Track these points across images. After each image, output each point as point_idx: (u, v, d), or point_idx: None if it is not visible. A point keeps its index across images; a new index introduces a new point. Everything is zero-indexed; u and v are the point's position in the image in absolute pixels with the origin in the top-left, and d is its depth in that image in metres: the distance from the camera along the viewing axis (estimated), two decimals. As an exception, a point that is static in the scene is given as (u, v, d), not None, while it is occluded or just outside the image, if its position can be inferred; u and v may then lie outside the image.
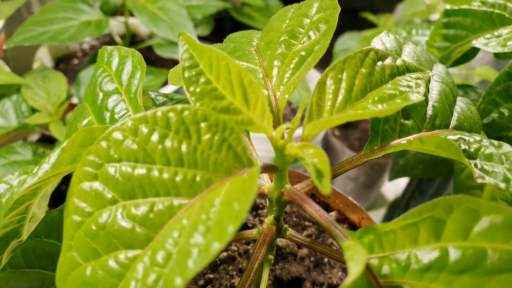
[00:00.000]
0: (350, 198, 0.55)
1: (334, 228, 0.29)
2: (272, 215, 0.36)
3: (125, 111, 0.36)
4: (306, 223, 0.55)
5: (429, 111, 0.38)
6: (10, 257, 0.39)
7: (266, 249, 0.35)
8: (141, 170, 0.27)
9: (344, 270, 0.51)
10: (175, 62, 1.01)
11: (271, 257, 0.42)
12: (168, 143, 0.27)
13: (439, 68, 0.42)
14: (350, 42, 1.07)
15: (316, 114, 0.29)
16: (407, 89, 0.30)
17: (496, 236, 0.23)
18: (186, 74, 0.29)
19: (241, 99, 0.29)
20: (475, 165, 0.32)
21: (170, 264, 0.25)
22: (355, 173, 1.02)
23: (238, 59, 0.36)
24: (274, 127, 0.32)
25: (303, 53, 0.33)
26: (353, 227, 0.55)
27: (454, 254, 0.24)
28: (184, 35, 0.30)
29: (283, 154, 0.29)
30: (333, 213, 0.55)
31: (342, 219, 0.56)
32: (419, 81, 0.31)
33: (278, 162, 0.31)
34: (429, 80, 0.40)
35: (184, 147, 0.27)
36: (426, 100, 0.38)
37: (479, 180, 0.31)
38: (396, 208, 0.86)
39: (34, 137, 0.79)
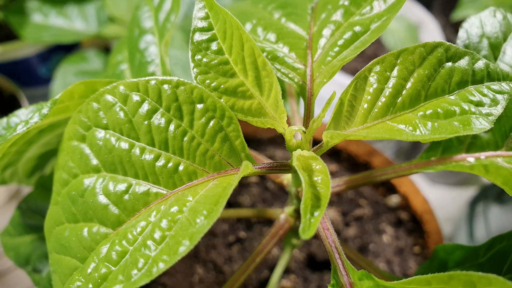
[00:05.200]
0: (415, 184, 0.47)
1: (337, 257, 0.24)
2: (293, 207, 0.31)
3: (155, 57, 0.32)
4: (360, 201, 0.49)
5: (521, 124, 0.28)
6: (40, 177, 0.40)
7: (276, 241, 0.31)
8: (123, 144, 0.24)
9: (388, 262, 0.46)
10: None
11: (295, 242, 0.37)
12: (155, 120, 0.23)
13: None
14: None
15: (346, 117, 0.23)
16: (475, 108, 0.22)
17: None
18: (197, 37, 0.24)
19: (253, 81, 0.23)
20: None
21: (120, 263, 0.22)
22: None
23: (286, 18, 0.29)
24: (305, 118, 0.26)
25: (357, 28, 0.25)
26: (413, 219, 0.48)
27: None
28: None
29: (293, 158, 0.24)
30: (395, 198, 0.49)
31: (403, 206, 0.49)
32: (499, 97, 0.22)
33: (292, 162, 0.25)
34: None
35: (172, 128, 0.23)
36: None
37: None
38: (489, 191, 0.74)
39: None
